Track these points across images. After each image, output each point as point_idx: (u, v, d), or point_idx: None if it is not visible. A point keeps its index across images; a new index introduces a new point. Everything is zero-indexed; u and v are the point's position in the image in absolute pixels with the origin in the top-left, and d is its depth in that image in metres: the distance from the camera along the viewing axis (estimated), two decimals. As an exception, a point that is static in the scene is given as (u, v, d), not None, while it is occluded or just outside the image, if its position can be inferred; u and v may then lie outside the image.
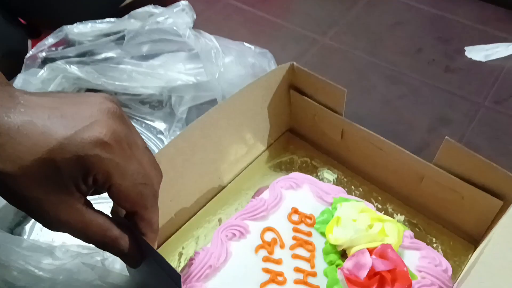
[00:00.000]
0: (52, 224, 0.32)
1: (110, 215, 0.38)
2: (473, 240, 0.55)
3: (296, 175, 0.53)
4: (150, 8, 0.69)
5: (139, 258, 0.36)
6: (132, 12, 0.68)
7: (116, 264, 0.50)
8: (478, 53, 0.81)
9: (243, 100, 0.56)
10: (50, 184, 0.31)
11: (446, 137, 0.50)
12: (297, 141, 0.66)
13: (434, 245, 0.54)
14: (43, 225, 0.33)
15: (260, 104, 0.59)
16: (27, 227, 0.56)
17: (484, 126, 0.70)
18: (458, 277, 0.51)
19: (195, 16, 0.70)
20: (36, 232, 0.56)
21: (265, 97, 0.59)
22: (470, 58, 0.81)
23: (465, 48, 0.82)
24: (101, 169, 0.31)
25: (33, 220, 0.57)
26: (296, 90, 0.61)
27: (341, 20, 0.89)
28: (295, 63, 0.58)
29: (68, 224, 0.32)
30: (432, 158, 0.53)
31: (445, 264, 0.46)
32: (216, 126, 0.54)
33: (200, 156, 0.54)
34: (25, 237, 0.56)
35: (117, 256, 0.36)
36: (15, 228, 0.56)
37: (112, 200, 0.34)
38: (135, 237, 0.35)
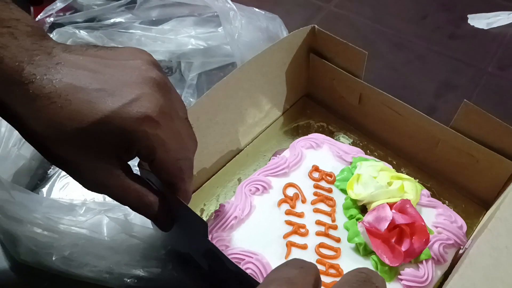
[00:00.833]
0: (91, 186, 0.33)
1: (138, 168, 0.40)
2: (485, 203, 0.56)
3: (316, 136, 0.54)
4: None
5: (169, 223, 0.37)
6: None
7: (138, 218, 0.51)
8: (480, 21, 0.82)
9: (265, 62, 0.57)
10: (92, 152, 0.31)
11: (465, 100, 0.51)
12: (314, 106, 0.67)
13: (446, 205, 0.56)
14: (80, 184, 0.34)
15: (280, 67, 0.60)
16: (44, 190, 0.57)
17: (488, 91, 0.72)
18: (471, 236, 0.52)
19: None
20: (54, 195, 0.57)
21: (285, 59, 0.60)
22: (473, 26, 0.82)
23: (468, 16, 0.83)
24: (146, 144, 0.31)
25: (50, 183, 0.58)
26: (316, 54, 0.61)
27: None
28: (316, 26, 0.59)
29: (106, 187, 0.33)
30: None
31: (460, 221, 0.48)
32: (238, 88, 0.55)
33: (222, 116, 0.55)
34: (43, 199, 0.58)
35: (149, 219, 0.37)
36: (32, 191, 0.56)
37: (152, 171, 0.35)
38: (166, 202, 0.36)
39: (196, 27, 0.67)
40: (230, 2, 0.63)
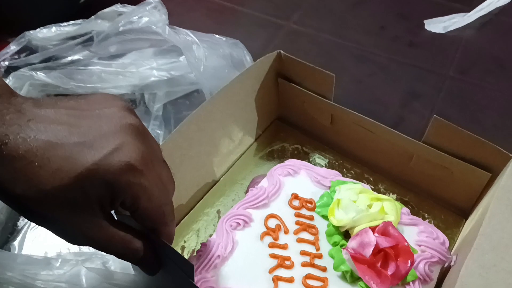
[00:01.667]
0: (76, 240, 0.32)
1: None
2: (463, 213, 0.57)
3: (292, 162, 0.54)
4: (117, 8, 0.67)
5: (157, 265, 0.36)
6: (99, 13, 0.67)
7: (118, 264, 0.50)
8: (436, 25, 0.85)
9: (234, 91, 0.56)
10: (76, 208, 0.30)
11: (435, 115, 0.52)
12: (287, 129, 0.67)
13: (427, 220, 0.56)
14: (65, 240, 0.32)
15: (250, 94, 0.60)
16: (16, 243, 0.55)
17: (452, 96, 0.73)
18: (452, 248, 0.53)
19: (167, 13, 0.68)
20: (26, 248, 0.54)
21: (254, 86, 0.60)
22: (430, 31, 0.84)
23: (424, 21, 0.85)
24: (131, 194, 0.31)
25: (21, 236, 0.55)
26: (284, 78, 0.61)
27: (303, 3, 0.90)
28: (282, 52, 0.59)
29: (92, 240, 0.32)
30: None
31: (442, 237, 0.48)
32: (209, 119, 0.55)
33: (196, 150, 0.54)
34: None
35: (135, 265, 0.36)
36: (3, 247, 0.54)
37: (135, 219, 0.34)
38: (151, 245, 0.35)
39: (157, 58, 0.66)
40: (191, 34, 0.63)
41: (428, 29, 0.84)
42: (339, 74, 0.56)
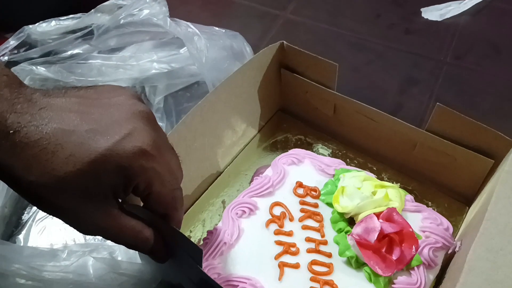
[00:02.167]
0: (88, 230, 0.33)
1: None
2: (466, 200, 0.57)
3: (296, 151, 0.54)
4: (117, 1, 0.67)
5: (167, 254, 0.37)
6: (99, 6, 0.66)
7: (124, 254, 0.50)
8: (433, 13, 0.85)
9: (237, 83, 0.57)
10: (88, 194, 0.30)
11: (438, 103, 0.52)
12: (290, 120, 0.67)
13: (431, 208, 0.56)
14: (77, 230, 0.33)
15: (253, 85, 0.60)
16: (21, 237, 0.55)
17: (449, 82, 0.74)
18: (456, 235, 0.53)
19: (167, 5, 0.68)
20: (31, 241, 0.55)
21: (257, 77, 0.60)
22: (427, 19, 0.84)
23: (421, 9, 0.86)
24: (144, 178, 0.31)
25: (26, 229, 0.56)
26: (287, 69, 0.62)
27: None
28: (284, 42, 0.59)
29: (104, 229, 0.32)
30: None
31: (446, 223, 0.48)
32: (213, 111, 0.55)
33: (200, 141, 0.54)
34: (21, 246, 0.56)
35: (146, 254, 0.36)
36: (8, 240, 0.55)
37: (146, 205, 0.34)
38: (161, 234, 0.36)
39: (157, 50, 0.66)
40: (192, 26, 0.63)
41: (425, 17, 0.84)
42: (336, 62, 0.56)
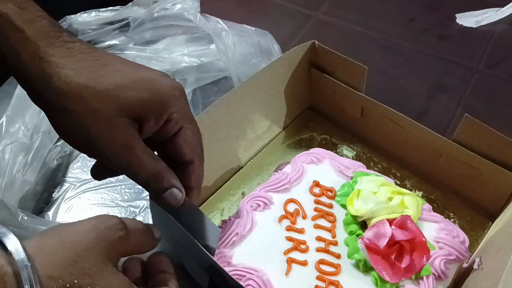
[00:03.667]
0: (109, 150, 0.33)
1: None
2: (490, 215, 0.56)
3: (317, 150, 0.55)
4: None
5: (182, 193, 0.36)
6: (136, 0, 0.69)
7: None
8: (468, 19, 0.83)
9: (266, 78, 0.58)
10: (126, 109, 0.33)
11: (466, 114, 0.51)
12: (317, 119, 0.67)
13: (452, 220, 0.56)
14: (98, 154, 0.34)
15: (282, 82, 0.61)
16: (50, 213, 0.59)
17: (479, 90, 0.72)
18: (475, 250, 0.52)
19: (199, 0, 0.70)
20: (59, 218, 0.58)
21: (286, 75, 0.61)
22: (461, 25, 0.82)
23: (456, 15, 0.84)
24: (178, 109, 0.35)
25: (55, 207, 0.59)
26: (317, 68, 0.62)
27: None
28: (316, 42, 0.59)
29: (124, 150, 0.33)
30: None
31: (463, 236, 0.48)
32: (240, 103, 0.56)
33: (224, 132, 0.56)
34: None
35: (160, 193, 0.36)
36: (38, 215, 0.57)
37: (175, 147, 0.36)
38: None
39: (189, 45, 0.69)
40: (221, 22, 0.64)
41: (460, 23, 0.82)
42: (365, 64, 0.56)
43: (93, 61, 0.33)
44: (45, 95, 0.32)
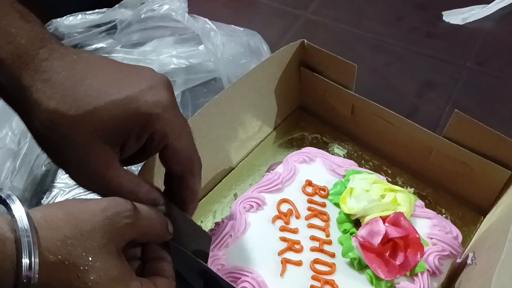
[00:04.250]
0: (87, 175, 0.32)
1: None
2: (481, 210, 0.56)
3: (308, 150, 0.55)
4: None
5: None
6: (123, 2, 0.68)
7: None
8: (455, 17, 0.83)
9: (257, 78, 0.57)
10: (100, 132, 0.31)
11: (456, 110, 0.51)
12: (308, 118, 0.67)
13: (444, 216, 0.55)
14: (76, 177, 0.33)
15: (272, 81, 0.61)
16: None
17: (469, 87, 0.72)
18: (468, 245, 0.52)
19: (186, 1, 0.70)
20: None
21: (276, 74, 0.61)
22: (449, 22, 0.82)
23: (443, 13, 0.84)
24: (161, 127, 0.33)
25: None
26: (307, 67, 0.62)
27: None
28: (305, 41, 0.59)
29: (103, 177, 0.32)
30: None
31: (456, 231, 0.48)
32: (230, 104, 0.56)
33: (215, 133, 0.55)
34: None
35: None
36: None
37: (164, 163, 0.35)
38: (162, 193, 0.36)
39: (177, 46, 0.68)
40: (210, 22, 0.64)
41: (447, 20, 0.83)
42: (355, 63, 0.56)
43: (67, 82, 0.31)
44: (20, 116, 0.32)
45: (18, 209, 0.27)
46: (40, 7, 0.77)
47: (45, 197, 0.59)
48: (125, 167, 0.35)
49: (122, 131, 0.32)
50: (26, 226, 0.26)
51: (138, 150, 0.35)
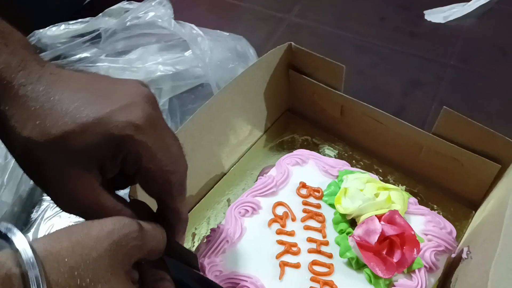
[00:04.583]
0: (66, 200, 0.32)
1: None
2: (473, 205, 0.57)
3: (301, 152, 0.55)
4: (124, 4, 0.68)
5: None
6: (107, 10, 0.68)
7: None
8: (436, 15, 0.84)
9: (246, 82, 0.57)
10: (74, 157, 0.30)
11: (444, 107, 0.52)
12: (297, 120, 0.67)
13: (436, 212, 0.56)
14: (56, 201, 0.32)
15: (261, 85, 0.61)
16: (30, 234, 0.56)
17: (454, 85, 0.74)
18: (461, 240, 0.53)
19: (172, 7, 0.69)
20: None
21: (265, 77, 0.61)
22: (431, 21, 0.84)
23: (424, 12, 0.85)
24: (133, 150, 0.31)
25: (35, 227, 0.57)
26: (295, 70, 0.62)
27: None
28: (292, 43, 0.59)
29: (82, 202, 0.31)
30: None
31: (449, 226, 0.48)
32: (221, 109, 0.55)
33: (207, 139, 0.55)
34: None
35: None
36: None
37: (140, 185, 0.34)
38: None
39: (163, 53, 0.67)
40: (196, 28, 0.64)
41: (429, 19, 0.84)
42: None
43: (40, 108, 0.30)
44: (1, 138, 0.31)
45: (21, 242, 0.26)
46: (22, 18, 0.76)
47: (34, 211, 0.58)
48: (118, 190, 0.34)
49: (95, 155, 0.31)
50: (31, 260, 0.25)
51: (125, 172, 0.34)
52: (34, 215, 0.58)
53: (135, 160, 0.32)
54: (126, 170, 0.33)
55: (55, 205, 0.55)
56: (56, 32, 0.67)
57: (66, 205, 0.32)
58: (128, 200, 0.40)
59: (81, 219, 0.32)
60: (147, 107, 0.32)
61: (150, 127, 0.31)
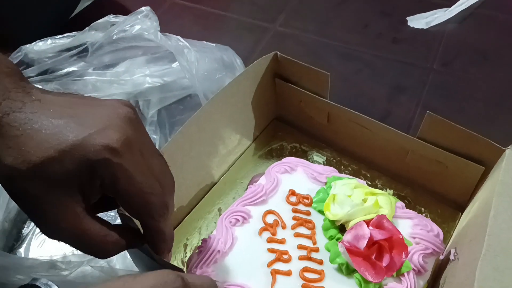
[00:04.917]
0: (51, 228, 0.32)
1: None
2: (459, 207, 0.58)
3: (289, 160, 0.55)
4: (110, 18, 0.69)
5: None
6: (93, 24, 0.68)
7: (121, 262, 0.51)
8: (419, 21, 0.86)
9: (233, 92, 0.58)
10: (54, 183, 0.30)
11: (428, 111, 0.53)
12: (285, 128, 0.68)
13: (423, 215, 0.57)
14: (41, 229, 0.32)
15: (248, 94, 0.61)
16: (21, 250, 0.56)
17: (437, 89, 0.75)
18: (448, 241, 0.54)
19: (158, 20, 0.70)
20: (32, 254, 0.56)
21: (252, 87, 0.61)
22: (413, 27, 0.86)
23: (407, 18, 0.87)
24: (109, 173, 0.31)
25: (26, 243, 0.57)
26: (281, 78, 0.63)
27: (287, 6, 0.92)
28: (278, 52, 0.60)
29: (65, 229, 0.32)
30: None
31: (436, 229, 0.49)
32: (209, 120, 0.56)
33: (196, 150, 0.56)
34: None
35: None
36: (9, 253, 0.55)
37: (122, 207, 0.34)
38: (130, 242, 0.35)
39: (150, 65, 0.68)
40: (182, 39, 0.64)
41: (411, 25, 0.86)
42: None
43: (23, 136, 0.30)
44: None
45: None
46: (9, 34, 0.76)
47: (25, 226, 0.58)
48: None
49: (74, 181, 0.31)
50: None
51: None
52: (25, 231, 0.58)
53: (113, 183, 0.32)
54: (107, 193, 0.33)
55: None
56: (43, 47, 0.67)
57: (51, 233, 0.32)
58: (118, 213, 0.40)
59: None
60: (125, 128, 0.32)
61: (127, 150, 0.32)
